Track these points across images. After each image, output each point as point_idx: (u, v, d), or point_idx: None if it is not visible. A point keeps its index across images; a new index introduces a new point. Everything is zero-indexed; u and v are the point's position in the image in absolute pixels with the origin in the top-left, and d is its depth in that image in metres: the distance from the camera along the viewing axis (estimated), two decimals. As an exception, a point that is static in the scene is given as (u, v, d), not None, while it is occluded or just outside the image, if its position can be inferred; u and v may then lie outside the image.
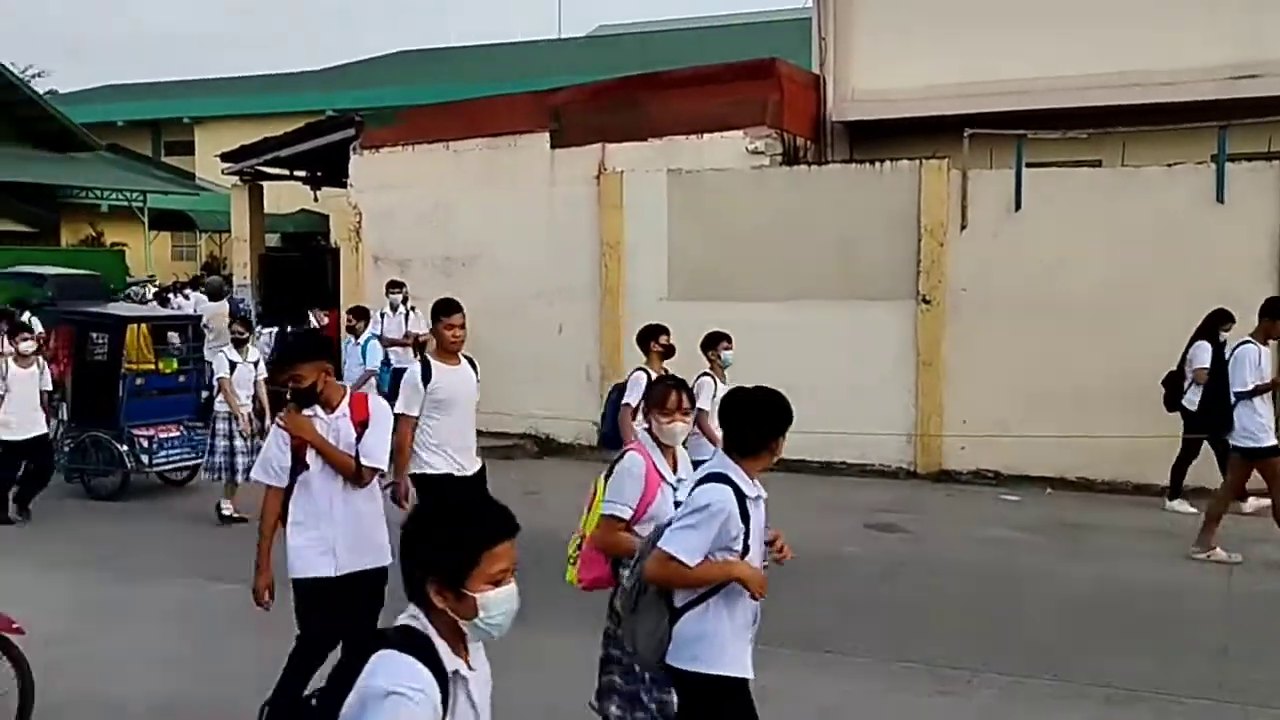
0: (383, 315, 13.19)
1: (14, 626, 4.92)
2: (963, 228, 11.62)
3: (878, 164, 12.12)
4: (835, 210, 12.10)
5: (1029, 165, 11.44)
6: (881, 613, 7.43)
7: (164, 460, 11.01)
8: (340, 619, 4.84)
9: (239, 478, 9.79)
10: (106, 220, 30.21)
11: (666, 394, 4.56)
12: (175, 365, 11.71)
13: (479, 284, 13.63)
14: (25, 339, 10.04)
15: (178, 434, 11.18)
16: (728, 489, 3.73)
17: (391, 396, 12.76)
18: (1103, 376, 10.96)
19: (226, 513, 9.87)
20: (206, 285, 17.97)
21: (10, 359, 9.90)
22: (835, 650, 6.59)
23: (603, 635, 4.66)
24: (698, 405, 7.94)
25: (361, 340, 12.11)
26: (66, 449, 11.10)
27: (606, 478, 4.56)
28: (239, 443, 9.87)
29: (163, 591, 7.86)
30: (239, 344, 10.33)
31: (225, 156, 16.30)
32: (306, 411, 4.95)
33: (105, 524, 10.06)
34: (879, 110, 13.82)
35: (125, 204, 29.48)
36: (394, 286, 13.34)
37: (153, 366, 11.52)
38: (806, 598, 7.20)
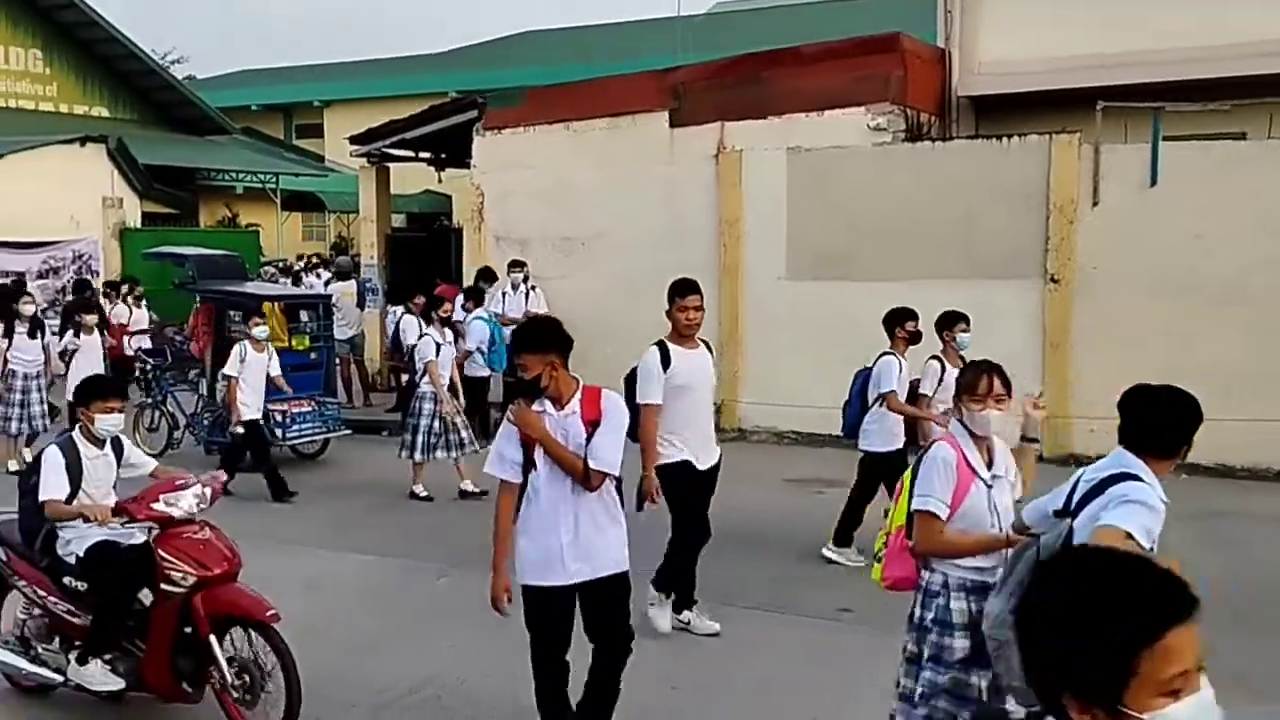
0: (504, 294, 13.42)
1: (270, 613, 4.87)
2: (1094, 204, 11.25)
3: (1005, 139, 11.81)
4: (960, 187, 11.85)
5: (1166, 139, 11.01)
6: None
7: (296, 434, 11.44)
8: (569, 626, 4.62)
9: (435, 455, 10.07)
10: (241, 202, 31.34)
11: (978, 378, 4.17)
12: (307, 342, 12.12)
13: (598, 263, 13.76)
14: (258, 324, 10.43)
15: (309, 409, 11.60)
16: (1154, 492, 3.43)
17: (510, 375, 13.10)
18: (1241, 358, 10.52)
19: (420, 493, 10.12)
20: (336, 265, 18.52)
21: (249, 344, 10.34)
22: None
23: (903, 654, 4.23)
24: (920, 390, 7.73)
25: (470, 318, 12.39)
26: (205, 423, 11.61)
27: (914, 471, 4.20)
28: (436, 424, 10.07)
29: (301, 562, 8.18)
30: (444, 323, 10.49)
31: (354, 139, 16.73)
32: (536, 407, 4.55)
33: (250, 498, 10.53)
34: (1006, 84, 13.44)
35: (259, 186, 30.53)
36: (515, 266, 13.56)
37: (285, 344, 11.94)
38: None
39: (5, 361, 11.39)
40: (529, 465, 4.52)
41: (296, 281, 19.09)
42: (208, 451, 11.56)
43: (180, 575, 4.89)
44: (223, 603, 4.93)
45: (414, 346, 10.42)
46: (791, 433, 12.81)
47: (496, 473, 4.61)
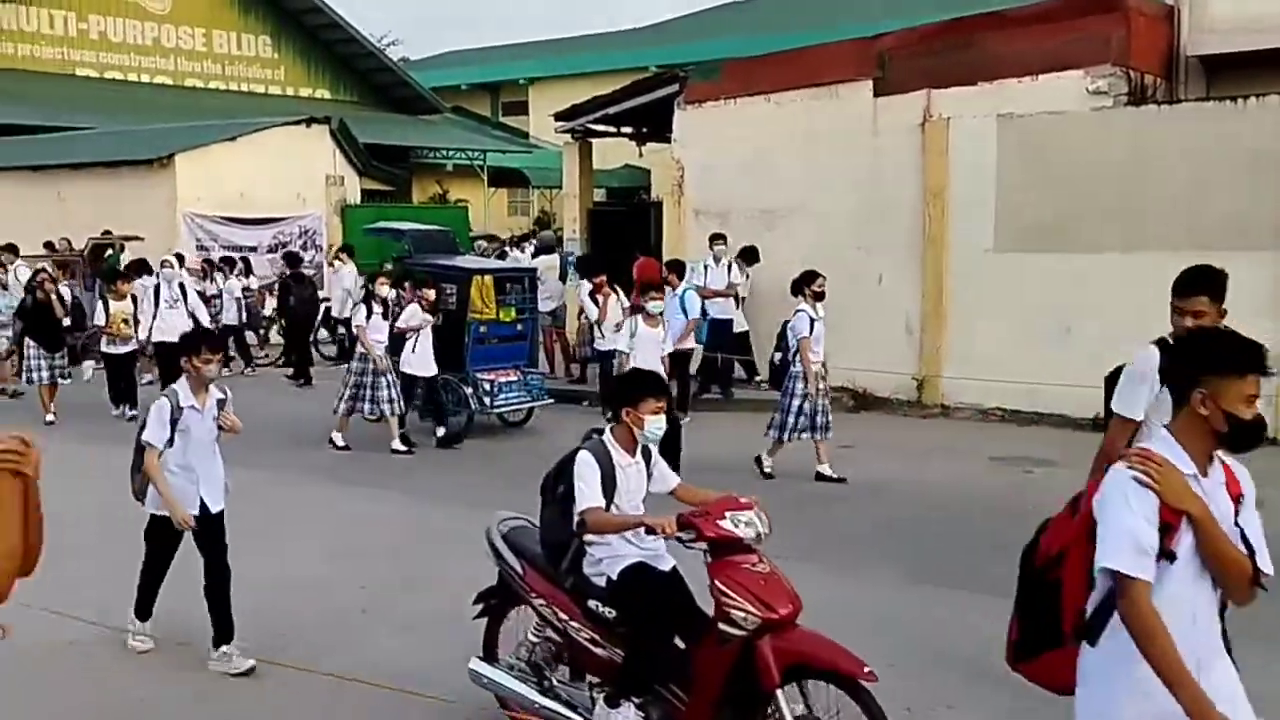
0: (706, 267, 13.48)
1: (867, 670, 4.02)
2: (1342, 169, 10.37)
3: (1240, 100, 11.01)
4: (1188, 153, 11.14)
5: None
6: None
7: (503, 402, 11.83)
8: None
9: (799, 436, 9.66)
10: (451, 178, 32.56)
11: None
12: (513, 314, 12.48)
13: (798, 235, 13.62)
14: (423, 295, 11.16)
15: (515, 378, 11.97)
16: None
17: (710, 348, 13.15)
18: None
19: (829, 474, 9.68)
20: (539, 239, 19.00)
21: (420, 304, 11.12)
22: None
23: None
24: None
25: (679, 291, 12.45)
26: (420, 391, 12.16)
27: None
28: (806, 404, 9.59)
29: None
30: (818, 297, 9.75)
31: (558, 116, 17.09)
32: (1184, 468, 2.94)
33: (451, 456, 10.99)
34: (1242, 41, 12.49)
35: (467, 163, 31.64)
36: (717, 239, 13.58)
37: (494, 316, 12.34)
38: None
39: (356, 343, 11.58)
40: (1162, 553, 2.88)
41: (502, 256, 19.68)
42: (422, 418, 12.07)
43: (742, 616, 4.14)
44: (800, 652, 4.16)
45: (788, 323, 9.82)
46: (997, 409, 12.39)
47: (1126, 568, 2.83)
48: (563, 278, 16.19)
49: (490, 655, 5.00)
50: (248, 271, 17.81)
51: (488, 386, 11.62)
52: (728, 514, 4.29)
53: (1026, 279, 12.10)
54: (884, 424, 12.34)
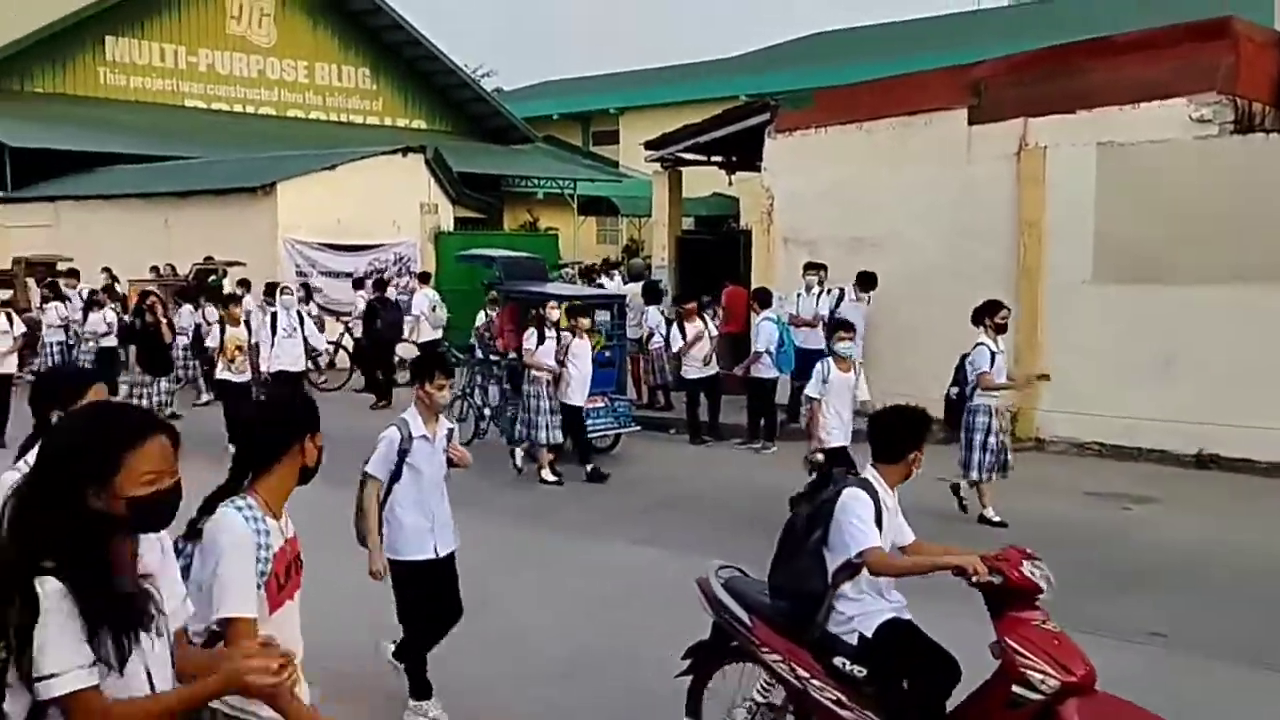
0: (798, 296, 13.44)
1: None
2: None
3: (1354, 128, 10.64)
4: (1297, 182, 10.78)
5: None
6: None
7: (591, 428, 11.88)
8: None
9: (991, 476, 9.21)
10: (541, 206, 32.97)
11: None
12: (602, 341, 12.56)
13: (888, 263, 13.48)
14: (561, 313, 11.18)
15: (603, 404, 12.03)
16: None
17: (797, 376, 13.08)
18: None
19: (992, 517, 9.20)
20: (629, 267, 19.12)
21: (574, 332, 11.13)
22: None
23: None
24: None
25: (758, 320, 12.48)
26: (509, 415, 12.27)
27: None
28: (993, 440, 9.15)
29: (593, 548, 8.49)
30: (1000, 330, 9.30)
31: (649, 145, 17.21)
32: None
33: (537, 481, 11.05)
34: (1357, 67, 12.09)
35: (558, 191, 32.02)
36: (810, 268, 13.51)
37: (582, 341, 12.41)
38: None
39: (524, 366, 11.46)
40: None
41: (592, 282, 19.83)
42: (509, 441, 12.20)
43: (1040, 678, 3.86)
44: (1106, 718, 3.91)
45: (966, 357, 9.32)
46: (1094, 444, 12.08)
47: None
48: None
49: (695, 715, 4.70)
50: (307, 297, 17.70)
51: (576, 411, 11.68)
52: (1024, 562, 4.07)
53: (1126, 311, 11.80)
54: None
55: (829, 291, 13.45)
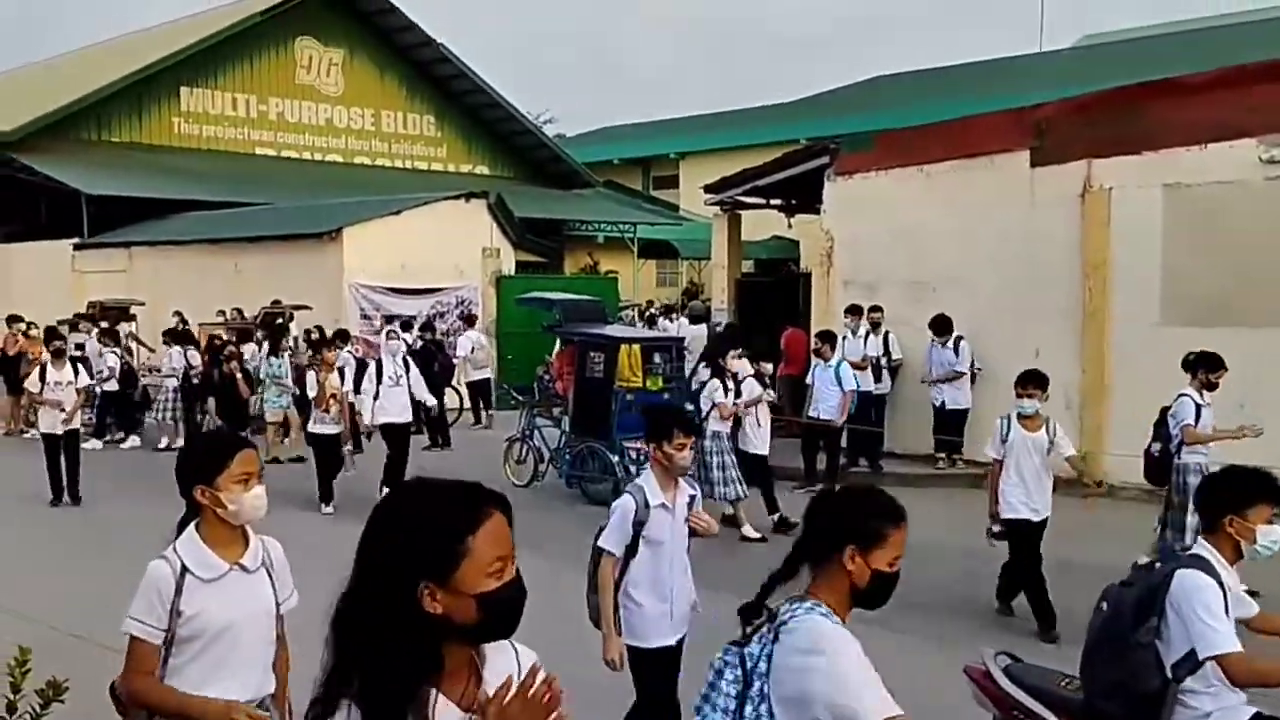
0: (843, 339, 13.39)
1: None
2: None
3: None
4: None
5: None
6: None
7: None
8: None
9: None
10: (601, 250, 33.23)
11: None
12: (660, 383, 12.56)
13: (950, 306, 13.35)
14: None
15: (661, 449, 11.97)
16: None
17: (854, 419, 12.91)
18: None
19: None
20: (689, 309, 19.14)
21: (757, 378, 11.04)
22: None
23: None
24: None
25: (833, 364, 12.33)
26: (567, 457, 12.31)
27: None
28: None
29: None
30: (1210, 387, 8.78)
31: (708, 188, 17.28)
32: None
33: (596, 525, 11.01)
34: None
35: (618, 235, 32.27)
36: (850, 312, 13.77)
37: (641, 384, 12.44)
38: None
39: None
40: None
41: (652, 324, 19.89)
42: (569, 484, 12.23)
43: None
44: None
45: (1168, 409, 8.77)
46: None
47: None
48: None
49: None
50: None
51: (634, 455, 11.67)
52: None
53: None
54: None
55: (877, 333, 13.56)
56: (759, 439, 10.96)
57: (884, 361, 13.73)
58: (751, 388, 10.94)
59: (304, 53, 30.59)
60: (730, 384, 10.76)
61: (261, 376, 14.94)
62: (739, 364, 11.06)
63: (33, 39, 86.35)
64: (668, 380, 12.61)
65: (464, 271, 20.99)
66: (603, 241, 33.11)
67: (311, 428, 11.66)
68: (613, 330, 13.68)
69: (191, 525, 3.30)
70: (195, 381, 15.31)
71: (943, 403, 13.20)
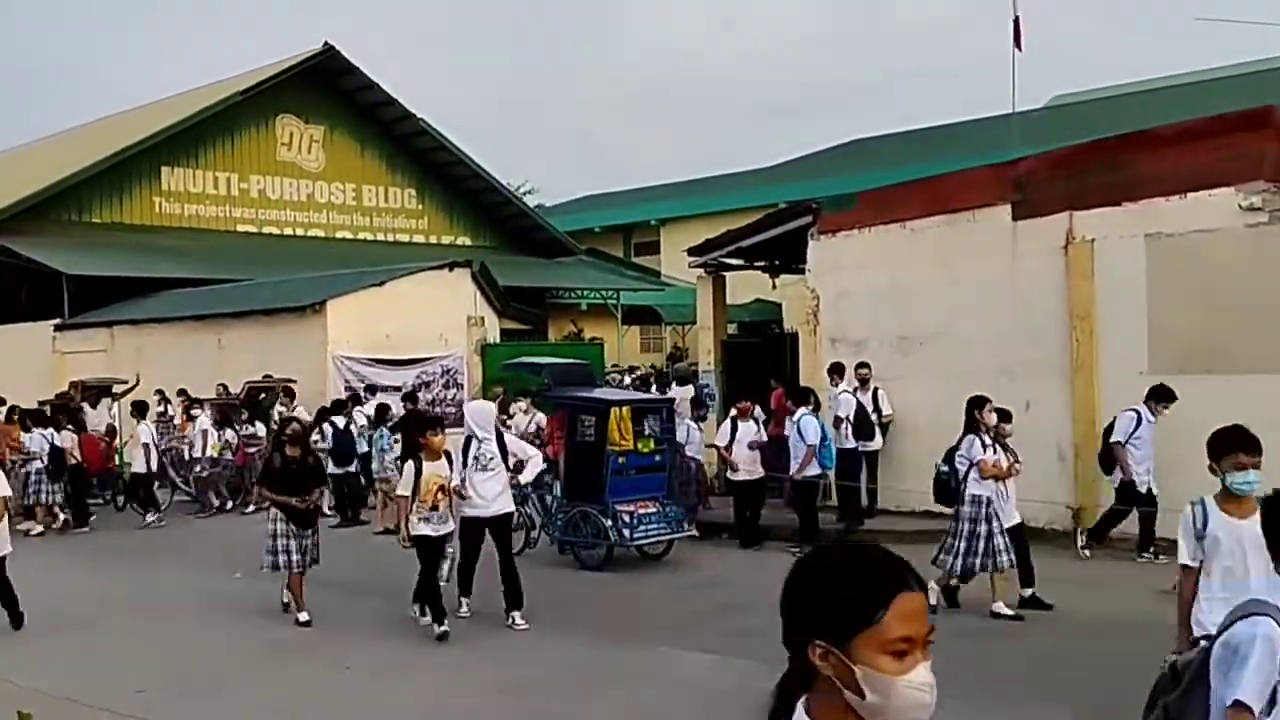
0: (839, 395, 13.48)
1: None
2: None
3: None
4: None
5: None
6: None
7: (643, 534, 11.73)
8: None
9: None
10: (585, 317, 33.24)
11: None
12: (651, 445, 12.47)
13: (938, 361, 13.39)
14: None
15: (654, 510, 11.89)
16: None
17: (842, 475, 12.89)
18: None
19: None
20: (674, 371, 19.10)
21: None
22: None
23: None
24: None
25: (796, 417, 12.47)
26: (559, 522, 12.16)
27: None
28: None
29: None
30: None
31: (692, 250, 17.36)
32: None
33: (594, 591, 10.85)
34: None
35: (601, 301, 32.32)
36: (833, 371, 13.91)
37: (632, 446, 12.34)
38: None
39: None
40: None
41: (645, 387, 19.83)
42: (561, 550, 12.06)
43: None
44: None
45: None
46: (1162, 540, 11.68)
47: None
48: (697, 406, 16.17)
49: None
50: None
51: (627, 518, 11.55)
52: None
53: (1185, 402, 11.54)
54: (1039, 556, 11.71)
55: (866, 390, 13.69)
56: (1011, 507, 9.57)
57: (875, 418, 13.70)
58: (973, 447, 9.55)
59: (285, 130, 30.76)
60: (989, 439, 9.45)
61: (367, 448, 15.34)
62: (991, 417, 9.64)
63: (13, 122, 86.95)
64: (659, 442, 12.53)
65: (448, 341, 20.93)
66: (586, 309, 33.15)
67: (416, 529, 9.16)
68: (602, 393, 13.62)
69: None
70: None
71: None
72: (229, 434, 17.10)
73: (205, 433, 16.92)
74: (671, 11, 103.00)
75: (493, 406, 10.81)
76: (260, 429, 17.08)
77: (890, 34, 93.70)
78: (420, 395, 18.98)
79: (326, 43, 29.75)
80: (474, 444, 9.41)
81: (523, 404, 15.61)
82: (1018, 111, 24.99)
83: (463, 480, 9.27)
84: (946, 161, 21.64)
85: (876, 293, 14.17)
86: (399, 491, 9.30)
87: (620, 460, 11.82)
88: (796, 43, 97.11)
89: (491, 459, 9.40)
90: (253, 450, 16.71)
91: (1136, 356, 12.00)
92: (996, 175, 13.55)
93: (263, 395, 18.75)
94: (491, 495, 9.37)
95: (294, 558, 9.61)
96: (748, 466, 12.98)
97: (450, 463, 9.27)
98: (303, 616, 9.56)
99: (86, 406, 18.52)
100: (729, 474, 13.36)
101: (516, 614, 9.23)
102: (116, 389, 20.10)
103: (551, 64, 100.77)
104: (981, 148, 25.74)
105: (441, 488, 9.11)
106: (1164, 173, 11.87)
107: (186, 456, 17.46)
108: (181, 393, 18.83)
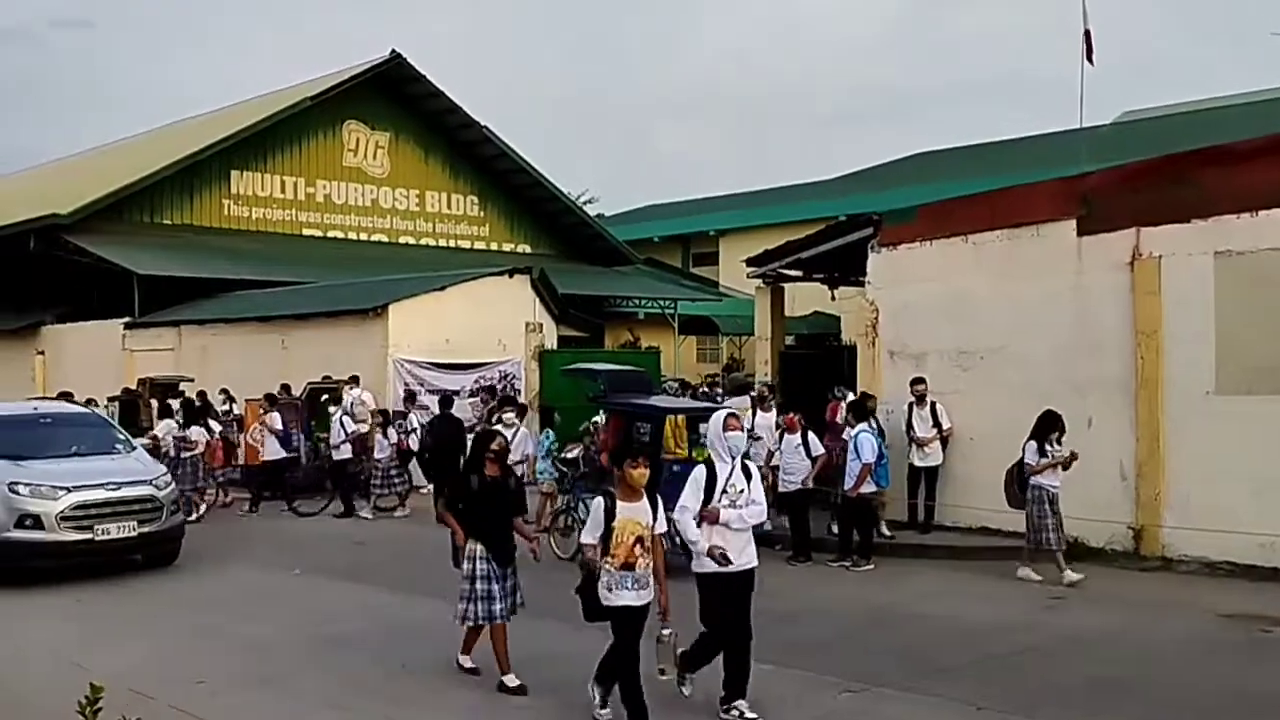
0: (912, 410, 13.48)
1: None
2: None
3: None
4: None
5: None
6: None
7: (695, 543, 11.68)
8: None
9: None
10: (642, 326, 33.35)
11: None
12: (705, 453, 12.42)
13: (999, 376, 13.24)
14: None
15: (709, 518, 11.83)
16: None
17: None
18: None
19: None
20: (729, 380, 19.08)
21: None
22: None
23: None
24: None
25: (852, 433, 12.41)
26: (613, 528, 12.15)
27: None
28: None
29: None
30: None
31: (750, 261, 17.34)
32: None
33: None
34: None
35: (659, 311, 32.41)
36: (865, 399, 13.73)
37: (686, 455, 12.33)
38: None
39: None
40: None
41: (695, 397, 19.84)
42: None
43: None
44: None
45: None
46: (1226, 563, 11.47)
47: None
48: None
49: None
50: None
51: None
52: None
53: (1255, 422, 11.32)
54: (1098, 575, 11.55)
55: (923, 405, 13.61)
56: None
57: (934, 433, 13.58)
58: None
59: (351, 136, 31.28)
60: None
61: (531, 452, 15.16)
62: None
63: (94, 126, 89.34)
64: (712, 450, 12.47)
65: (507, 346, 21.11)
66: (643, 318, 33.25)
67: (614, 600, 6.80)
68: (658, 400, 13.64)
69: None
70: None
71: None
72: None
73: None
74: (735, 19, 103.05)
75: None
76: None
77: (956, 43, 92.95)
78: (479, 399, 19.09)
79: (394, 51, 30.24)
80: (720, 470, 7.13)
81: (510, 415, 15.39)
82: (1086, 126, 24.64)
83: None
84: (1011, 176, 21.43)
85: (937, 306, 14.04)
86: (584, 539, 6.86)
87: (675, 468, 11.80)
88: (860, 52, 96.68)
89: (741, 493, 7.04)
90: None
91: (1203, 375, 11.77)
92: (1062, 189, 13.37)
93: (324, 396, 19.03)
94: (740, 545, 7.03)
95: (497, 605, 7.53)
96: (791, 478, 12.88)
97: (655, 505, 6.85)
98: (512, 681, 7.43)
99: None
100: (780, 485, 13.29)
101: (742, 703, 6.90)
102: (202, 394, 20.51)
103: (612, 71, 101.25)
104: (1047, 163, 25.38)
105: (640, 539, 6.67)
106: (1235, 189, 11.63)
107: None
108: (222, 391, 19.27)
